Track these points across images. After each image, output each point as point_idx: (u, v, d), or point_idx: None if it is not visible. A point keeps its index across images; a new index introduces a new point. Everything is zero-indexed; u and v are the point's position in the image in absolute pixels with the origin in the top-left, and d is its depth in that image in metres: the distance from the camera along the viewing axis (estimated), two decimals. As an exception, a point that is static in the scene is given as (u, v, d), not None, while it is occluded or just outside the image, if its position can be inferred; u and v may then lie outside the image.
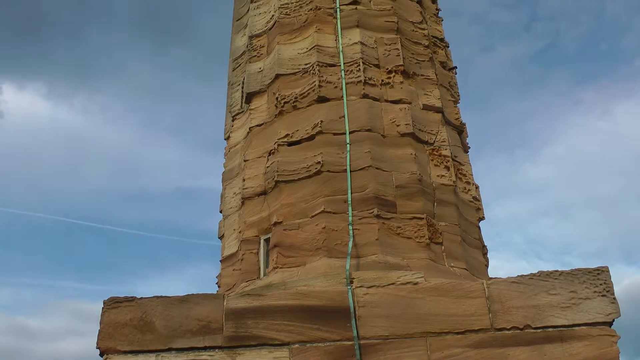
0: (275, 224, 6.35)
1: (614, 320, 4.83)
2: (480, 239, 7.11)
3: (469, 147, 7.77)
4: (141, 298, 5.24)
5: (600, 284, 4.92)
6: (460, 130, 7.61)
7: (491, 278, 5.58)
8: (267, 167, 6.77)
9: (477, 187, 7.37)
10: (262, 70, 7.54)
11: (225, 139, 8.08)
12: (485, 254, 7.15)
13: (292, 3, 7.74)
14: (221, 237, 7.52)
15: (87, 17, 41.92)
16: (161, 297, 5.24)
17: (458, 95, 7.97)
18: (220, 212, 7.73)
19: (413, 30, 7.74)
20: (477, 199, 7.24)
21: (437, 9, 8.82)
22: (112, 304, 5.21)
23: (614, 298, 4.88)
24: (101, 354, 5.03)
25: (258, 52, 7.75)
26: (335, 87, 6.84)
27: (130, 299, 5.23)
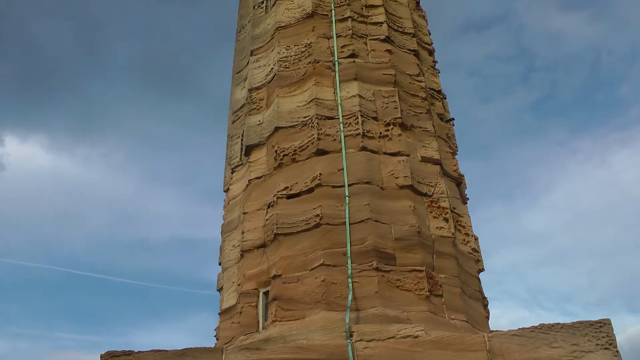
0: (275, 276, 6.33)
1: (617, 373, 4.77)
2: (481, 291, 7.07)
3: (468, 199, 7.78)
4: (139, 352, 5.18)
5: (603, 337, 4.87)
6: (458, 181, 7.63)
7: (492, 331, 5.53)
8: (267, 219, 6.77)
9: (476, 239, 7.36)
10: (261, 123, 7.60)
11: (224, 191, 8.10)
12: (485, 305, 7.10)
13: (291, 56, 7.84)
14: (220, 290, 7.48)
15: (91, 70, 42.37)
16: (159, 351, 5.19)
17: (456, 147, 8.02)
18: (219, 264, 7.70)
19: (410, 83, 7.82)
20: (476, 250, 7.22)
21: (434, 61, 8.94)
22: (109, 358, 5.15)
23: (617, 351, 4.83)
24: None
25: (257, 105, 7.82)
26: (334, 139, 6.88)
27: (128, 353, 5.18)
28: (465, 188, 7.84)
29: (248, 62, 8.53)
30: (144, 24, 42.82)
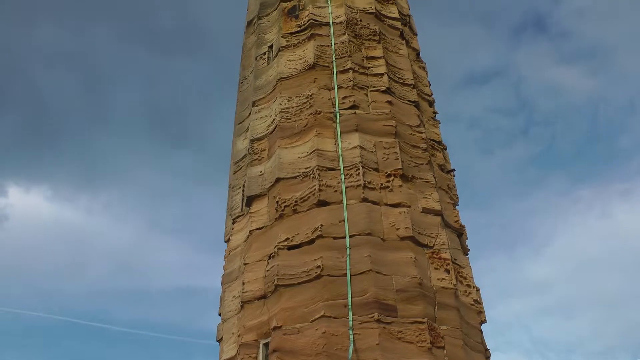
0: (275, 328, 6.28)
1: None
2: (483, 343, 7.01)
3: (469, 250, 7.76)
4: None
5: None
6: (459, 232, 7.62)
7: (495, 385, 5.46)
8: (267, 270, 6.75)
9: (478, 290, 7.32)
10: (262, 174, 7.63)
11: (225, 242, 8.09)
12: (488, 357, 7.03)
13: (292, 107, 7.91)
14: (219, 340, 7.42)
15: (94, 121, 42.79)
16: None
17: (457, 198, 8.03)
18: (219, 314, 7.65)
19: (411, 134, 7.87)
20: (478, 302, 7.18)
21: (434, 112, 9.01)
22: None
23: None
24: None
25: (259, 156, 7.86)
26: (335, 191, 6.90)
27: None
28: (467, 239, 7.83)
29: (250, 113, 8.60)
30: (148, 76, 43.32)
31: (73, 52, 41.25)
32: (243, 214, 7.78)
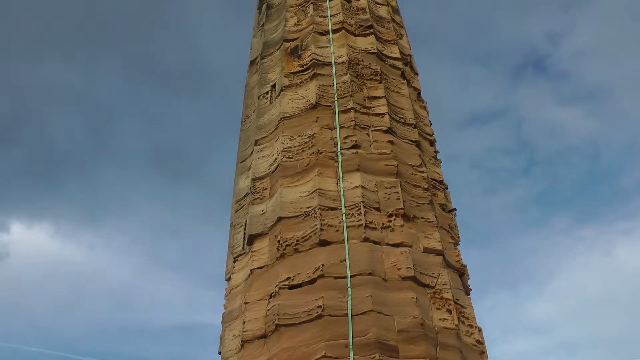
0: (276, 368, 6.24)
1: None
2: (486, 384, 6.95)
3: (471, 289, 7.74)
4: None
5: None
6: (461, 272, 7.61)
7: None
8: (268, 310, 6.72)
9: (480, 330, 7.28)
10: (264, 213, 7.64)
11: (226, 280, 8.07)
12: (490, 398, 6.96)
13: (294, 147, 7.95)
14: (220, 381, 7.35)
15: (98, 158, 43.08)
16: None
17: (458, 237, 8.03)
18: (219, 354, 7.59)
19: (412, 174, 7.90)
20: (480, 342, 7.13)
21: (435, 152, 9.06)
22: None
23: None
24: None
25: (261, 195, 7.88)
26: (337, 230, 6.91)
27: None
28: (468, 279, 7.81)
29: (252, 152, 8.64)
30: (152, 113, 43.74)
31: (80, 90, 41.74)
32: (244, 253, 7.77)
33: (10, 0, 42.74)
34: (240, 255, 7.85)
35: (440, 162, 8.99)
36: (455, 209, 8.42)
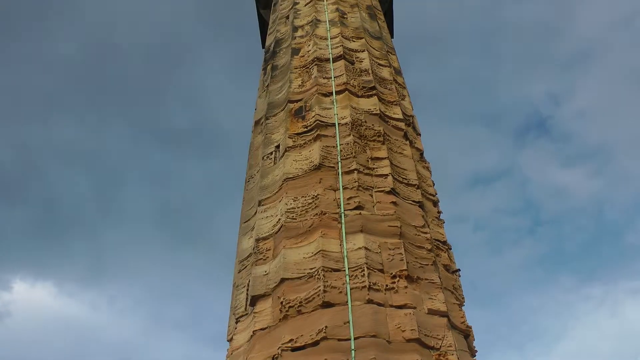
0: None
1: None
2: None
3: (476, 351, 7.65)
4: None
5: None
6: (466, 334, 7.53)
7: None
8: (271, 372, 6.65)
9: (486, 394, 7.18)
10: (267, 274, 7.62)
11: (228, 341, 7.99)
12: None
13: (298, 207, 7.97)
14: None
15: (103, 218, 43.36)
16: None
17: (463, 298, 7.98)
18: (221, 417, 7.47)
19: (416, 234, 7.90)
20: (486, 406, 7.03)
21: (438, 212, 9.07)
22: None
23: None
24: None
25: (264, 255, 7.87)
26: (340, 292, 6.88)
27: None
28: (474, 340, 7.73)
29: (256, 212, 8.66)
30: (158, 173, 44.12)
31: (87, 150, 42.23)
32: (247, 314, 7.72)
33: (23, 62, 43.60)
34: (243, 316, 7.79)
35: (444, 223, 8.99)
36: (459, 270, 8.39)
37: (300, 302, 6.94)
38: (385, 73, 11.20)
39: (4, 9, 41.90)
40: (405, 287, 7.09)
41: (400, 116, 9.94)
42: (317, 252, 7.28)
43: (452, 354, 6.85)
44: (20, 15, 41.45)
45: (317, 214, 7.75)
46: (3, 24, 42.43)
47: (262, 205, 8.55)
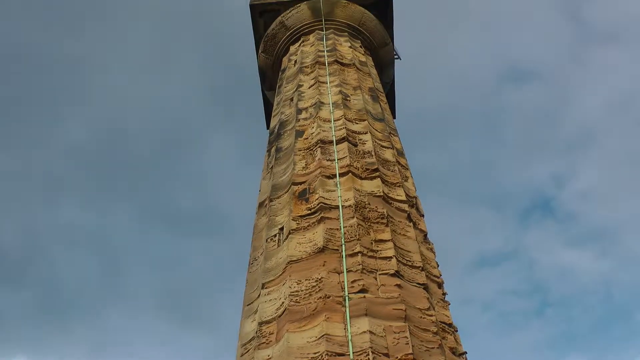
0: None
1: None
2: None
3: None
4: None
5: None
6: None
7: None
8: None
9: None
10: (270, 358, 7.49)
11: None
12: None
13: (302, 291, 7.92)
14: None
15: (107, 301, 43.27)
16: None
17: (470, 381, 7.84)
18: None
19: (421, 317, 7.82)
20: None
21: (443, 294, 9.00)
22: None
23: None
24: None
25: (267, 339, 7.77)
26: (345, 377, 6.77)
27: None
28: None
29: (259, 295, 8.60)
30: (163, 255, 44.21)
31: (91, 232, 42.42)
32: (250, 400, 7.59)
33: (33, 146, 44.34)
34: (246, 402, 7.66)
35: (449, 304, 8.92)
36: (466, 353, 8.27)
37: (304, 387, 6.82)
38: (388, 155, 11.32)
39: (16, 94, 42.84)
40: (411, 372, 6.97)
41: (404, 198, 10.00)
42: (321, 336, 7.19)
43: None
44: (30, 100, 42.38)
45: (321, 297, 7.70)
46: (14, 109, 43.30)
47: (266, 288, 8.50)
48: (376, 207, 9.30)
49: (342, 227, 8.65)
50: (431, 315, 7.96)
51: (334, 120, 11.89)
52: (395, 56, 19.19)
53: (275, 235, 9.33)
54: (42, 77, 43.91)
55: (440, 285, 9.07)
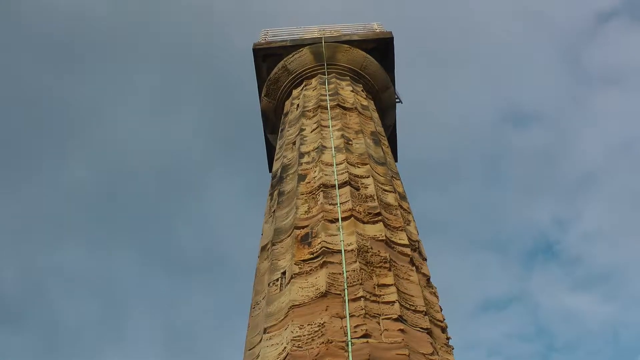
0: None
1: None
2: None
3: None
4: None
5: None
6: None
7: None
8: None
9: None
10: (273, 405, 7.45)
11: None
12: None
13: (304, 335, 7.87)
14: None
15: (107, 344, 43.12)
16: None
17: None
18: None
19: (424, 364, 7.76)
20: None
21: (447, 338, 8.94)
22: None
23: None
24: None
25: (269, 385, 7.72)
26: None
27: None
28: None
29: (261, 340, 8.54)
30: (165, 299, 44.13)
31: (94, 274, 42.42)
32: None
33: (35, 186, 44.51)
34: None
35: (453, 349, 8.85)
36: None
37: None
38: (390, 199, 11.35)
39: (19, 135, 43.20)
40: (415, 419, 6.90)
41: (406, 242, 9.99)
42: (325, 389, 7.14)
43: None
44: (32, 142, 42.71)
45: (323, 342, 7.64)
46: (17, 150, 43.65)
47: (268, 332, 8.45)
48: (379, 251, 9.30)
49: (344, 272, 8.63)
50: (435, 361, 7.90)
51: (336, 164, 11.95)
52: (397, 100, 19.36)
53: (277, 280, 9.31)
54: (45, 118, 44.38)
55: (444, 329, 9.01)
